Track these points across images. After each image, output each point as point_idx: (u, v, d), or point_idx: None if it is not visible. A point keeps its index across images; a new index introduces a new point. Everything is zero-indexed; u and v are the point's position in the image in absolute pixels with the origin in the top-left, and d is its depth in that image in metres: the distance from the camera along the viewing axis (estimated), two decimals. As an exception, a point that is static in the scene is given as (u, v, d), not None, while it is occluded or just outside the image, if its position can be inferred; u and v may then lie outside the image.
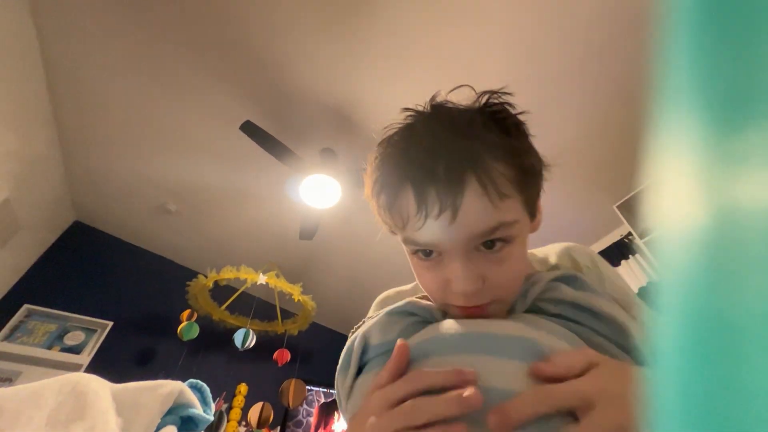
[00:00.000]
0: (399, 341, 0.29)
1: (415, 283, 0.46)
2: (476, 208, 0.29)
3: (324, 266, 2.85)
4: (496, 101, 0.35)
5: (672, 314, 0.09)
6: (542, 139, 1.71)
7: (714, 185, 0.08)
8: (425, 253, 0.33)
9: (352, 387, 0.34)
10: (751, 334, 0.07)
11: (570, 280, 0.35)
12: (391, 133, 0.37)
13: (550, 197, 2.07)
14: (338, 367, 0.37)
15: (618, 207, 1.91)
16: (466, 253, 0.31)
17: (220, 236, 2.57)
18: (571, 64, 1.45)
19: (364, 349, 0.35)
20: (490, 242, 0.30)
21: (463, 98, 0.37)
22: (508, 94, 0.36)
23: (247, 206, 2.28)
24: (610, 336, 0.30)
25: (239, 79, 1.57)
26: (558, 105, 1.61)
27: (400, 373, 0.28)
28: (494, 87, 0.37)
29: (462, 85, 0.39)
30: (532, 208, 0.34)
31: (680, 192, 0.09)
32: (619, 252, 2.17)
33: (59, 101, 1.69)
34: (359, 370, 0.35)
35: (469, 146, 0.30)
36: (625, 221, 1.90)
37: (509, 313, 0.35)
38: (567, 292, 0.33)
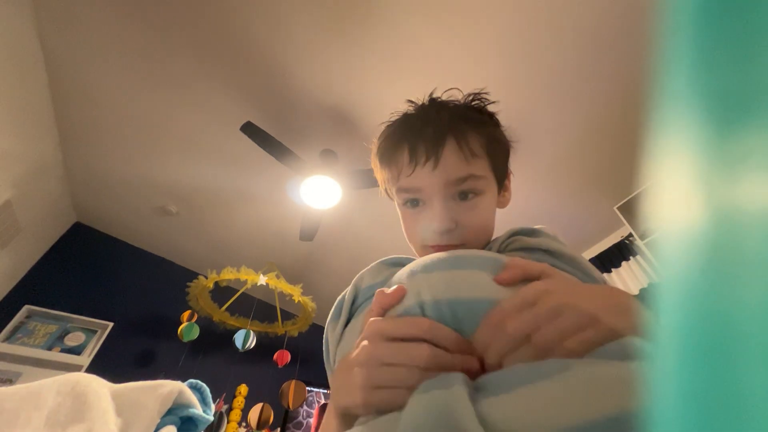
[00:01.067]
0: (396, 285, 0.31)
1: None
2: (453, 159, 0.39)
3: (324, 267, 2.85)
4: (478, 98, 0.46)
5: (673, 315, 0.09)
6: (543, 140, 1.72)
7: (714, 186, 0.08)
8: (413, 202, 0.42)
9: (342, 334, 0.39)
10: (751, 335, 0.07)
11: (529, 232, 0.42)
12: (394, 117, 0.48)
13: (550, 198, 2.08)
14: (329, 318, 0.42)
15: (618, 208, 1.91)
16: (443, 198, 0.40)
17: (220, 237, 2.58)
18: (570, 66, 1.45)
19: (355, 296, 0.41)
20: (464, 193, 0.40)
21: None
22: (486, 93, 0.47)
23: (248, 207, 2.28)
24: (572, 270, 0.35)
25: (240, 80, 1.57)
26: (558, 106, 1.61)
27: (394, 303, 0.29)
28: (494, 88, 0.45)
29: (452, 88, 0.50)
30: (499, 174, 0.44)
31: (681, 193, 0.09)
32: (619, 253, 2.16)
33: (61, 103, 1.69)
34: (350, 319, 0.40)
35: (451, 118, 0.41)
36: (625, 222, 1.90)
37: None
38: (528, 240, 0.39)
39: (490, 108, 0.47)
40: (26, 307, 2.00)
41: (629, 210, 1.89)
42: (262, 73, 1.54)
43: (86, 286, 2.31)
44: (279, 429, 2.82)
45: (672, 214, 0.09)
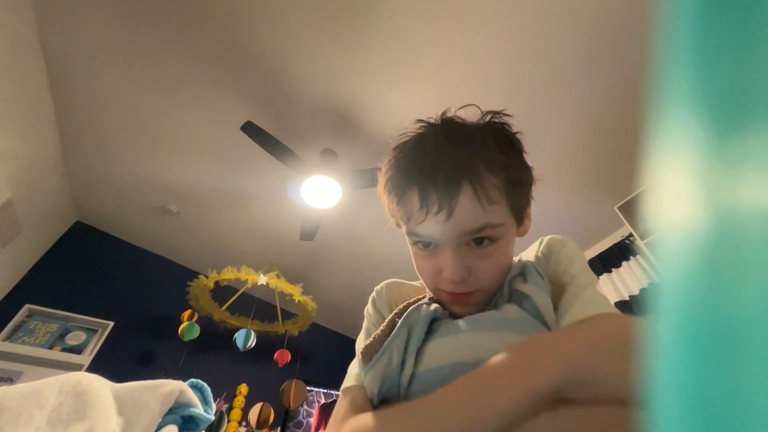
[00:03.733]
0: None
1: (420, 281, 0.51)
2: (468, 209, 0.35)
3: (324, 267, 2.85)
4: (497, 120, 0.41)
5: (673, 315, 0.09)
6: (543, 140, 1.72)
7: (714, 187, 0.08)
8: (424, 244, 0.39)
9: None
10: (751, 335, 0.07)
11: (525, 272, 0.41)
12: (404, 140, 0.43)
13: (551, 198, 2.07)
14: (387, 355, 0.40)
15: (619, 208, 1.91)
16: (457, 247, 0.37)
17: (220, 237, 2.58)
18: (571, 66, 1.45)
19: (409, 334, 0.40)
20: (479, 239, 0.37)
21: (470, 114, 0.43)
22: (508, 115, 0.42)
23: (248, 207, 2.28)
24: (526, 316, 0.37)
25: (240, 80, 1.57)
26: (558, 106, 1.61)
27: None
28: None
29: (469, 104, 0.44)
30: (518, 215, 0.40)
31: (681, 193, 0.09)
32: (619, 253, 2.16)
33: (61, 103, 1.69)
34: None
35: (467, 158, 0.36)
36: (626, 222, 1.90)
37: (494, 303, 0.41)
38: (520, 286, 0.39)
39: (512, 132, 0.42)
40: (27, 306, 2.00)
41: (629, 210, 1.89)
42: (262, 73, 1.54)
43: (87, 285, 2.31)
44: (279, 428, 2.82)
45: (672, 215, 0.09)
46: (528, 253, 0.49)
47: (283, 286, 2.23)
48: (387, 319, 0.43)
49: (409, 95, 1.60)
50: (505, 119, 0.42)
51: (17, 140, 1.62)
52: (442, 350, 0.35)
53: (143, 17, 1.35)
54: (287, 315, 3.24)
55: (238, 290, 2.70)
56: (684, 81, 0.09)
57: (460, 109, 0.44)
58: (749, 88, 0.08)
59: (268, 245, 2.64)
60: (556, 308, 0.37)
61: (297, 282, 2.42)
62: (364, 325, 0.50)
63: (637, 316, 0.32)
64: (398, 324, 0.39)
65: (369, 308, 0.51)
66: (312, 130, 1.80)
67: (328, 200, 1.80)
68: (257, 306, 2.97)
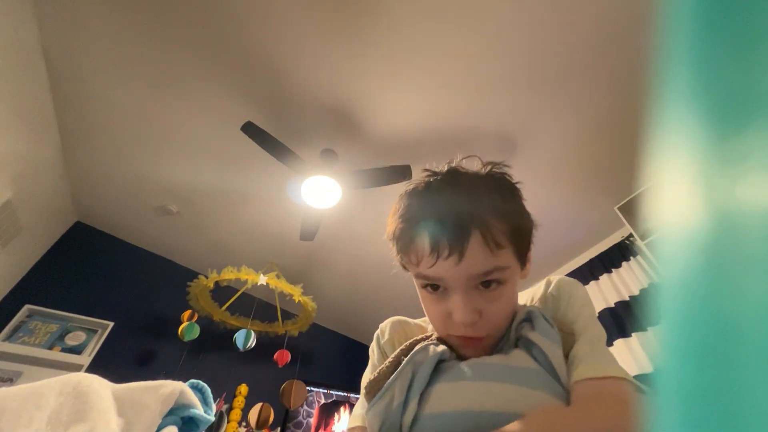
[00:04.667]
0: None
1: (424, 319, 0.53)
2: (477, 254, 0.37)
3: (324, 267, 2.85)
4: (498, 171, 0.44)
5: (673, 315, 0.09)
6: (543, 140, 1.73)
7: (714, 187, 0.08)
8: (433, 287, 0.41)
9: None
10: (751, 335, 0.07)
11: (532, 318, 0.43)
12: (412, 187, 0.45)
13: (551, 199, 2.07)
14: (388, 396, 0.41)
15: (619, 209, 1.91)
16: (466, 290, 0.39)
17: (220, 237, 2.58)
18: (571, 66, 1.45)
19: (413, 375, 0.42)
20: (487, 282, 0.39)
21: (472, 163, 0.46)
22: (507, 165, 0.44)
23: (248, 207, 2.28)
24: (536, 367, 0.38)
25: (240, 80, 1.57)
26: (558, 106, 1.61)
27: None
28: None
29: (470, 156, 0.46)
30: (522, 258, 0.42)
31: (681, 194, 0.09)
32: (620, 253, 2.16)
33: (61, 103, 1.69)
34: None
35: (474, 206, 0.39)
36: (626, 223, 1.90)
37: (500, 347, 0.43)
38: (528, 334, 0.41)
39: (512, 181, 0.44)
40: (27, 307, 2.00)
41: (630, 210, 1.89)
42: (262, 73, 1.54)
43: (87, 285, 2.31)
44: (279, 429, 2.82)
45: (672, 215, 0.09)
46: (533, 291, 0.51)
47: (283, 286, 2.23)
48: (392, 356, 0.43)
49: (410, 95, 1.60)
50: (505, 170, 0.44)
51: (17, 141, 1.62)
52: (448, 396, 0.36)
53: (143, 18, 1.35)
54: (287, 315, 3.24)
55: (238, 290, 2.70)
56: (684, 81, 0.09)
57: (463, 159, 0.46)
58: (749, 88, 0.08)
59: (268, 245, 2.63)
60: (565, 355, 0.39)
61: (297, 282, 2.42)
62: (370, 361, 0.51)
63: (642, 389, 0.36)
64: (403, 362, 0.40)
65: (373, 346, 0.52)
66: (312, 130, 1.80)
67: (328, 200, 1.80)
68: (257, 306, 2.97)
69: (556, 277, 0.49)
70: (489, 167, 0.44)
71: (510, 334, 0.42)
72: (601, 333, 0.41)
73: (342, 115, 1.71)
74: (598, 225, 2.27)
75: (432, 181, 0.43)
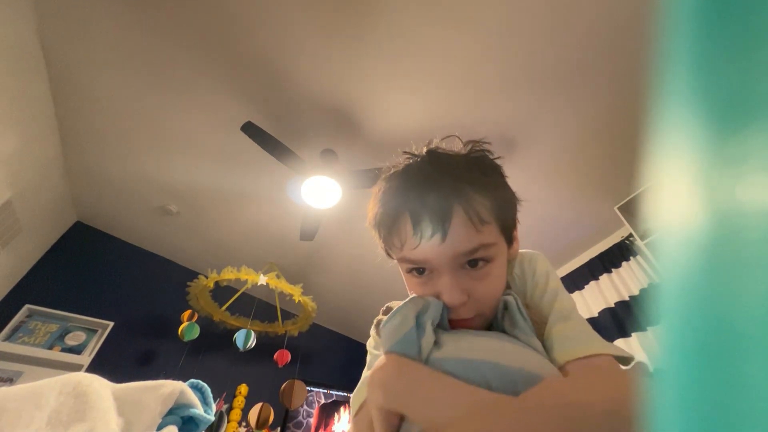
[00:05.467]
0: None
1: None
2: (461, 231, 0.36)
3: (324, 267, 2.85)
4: (478, 148, 0.43)
5: (673, 315, 0.09)
6: (543, 141, 1.72)
7: (714, 187, 0.08)
8: (419, 270, 0.39)
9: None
10: (751, 335, 0.07)
11: (507, 307, 0.41)
12: (391, 171, 0.43)
13: (551, 199, 2.07)
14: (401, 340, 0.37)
15: (619, 208, 1.91)
16: (453, 270, 0.37)
17: (220, 237, 2.58)
18: (570, 66, 1.45)
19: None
20: (474, 261, 0.37)
21: (452, 144, 0.45)
22: (488, 143, 0.43)
23: (248, 207, 2.28)
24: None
25: (240, 80, 1.57)
26: (559, 106, 1.61)
27: None
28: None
29: (450, 136, 0.46)
30: (508, 235, 0.41)
31: (681, 194, 0.09)
32: (619, 253, 2.16)
33: (61, 102, 1.69)
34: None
35: (454, 183, 0.37)
36: (626, 223, 1.90)
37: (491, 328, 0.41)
38: (507, 326, 0.39)
39: (494, 159, 0.43)
40: (27, 307, 2.00)
41: (629, 210, 1.89)
42: (262, 73, 1.54)
43: (87, 285, 2.31)
44: (279, 429, 2.82)
45: (672, 215, 0.09)
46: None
47: (283, 286, 2.23)
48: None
49: (410, 95, 1.60)
50: (486, 147, 0.43)
51: (17, 140, 1.62)
52: (469, 345, 0.34)
53: (143, 18, 1.35)
54: (287, 315, 3.24)
55: (238, 290, 2.70)
56: (684, 81, 0.09)
57: (442, 140, 0.46)
58: (749, 89, 0.08)
59: (268, 245, 2.64)
60: (541, 334, 0.38)
61: (297, 282, 2.42)
62: (368, 359, 0.48)
63: (628, 360, 0.35)
64: (410, 297, 0.39)
65: (370, 342, 0.50)
66: (312, 130, 1.80)
67: (328, 200, 1.80)
68: (257, 306, 2.97)
69: (520, 254, 0.47)
70: (469, 146, 0.43)
71: (498, 323, 0.41)
72: (571, 303, 0.40)
73: (342, 116, 1.71)
74: (598, 225, 2.27)
75: (411, 163, 0.42)
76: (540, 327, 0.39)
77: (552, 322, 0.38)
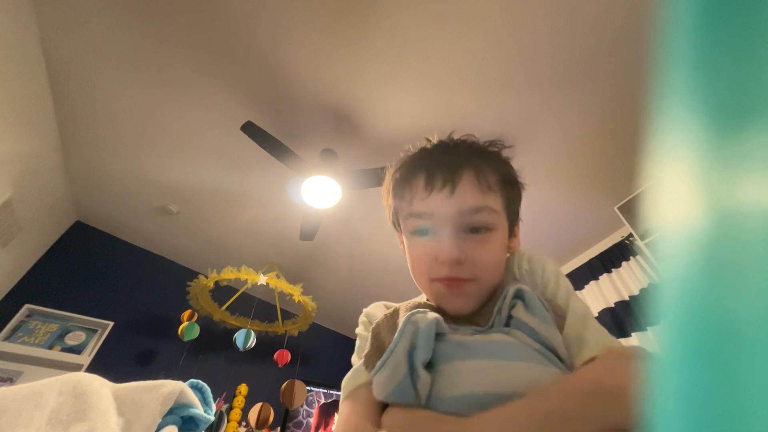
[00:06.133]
0: None
1: (407, 302, 0.50)
2: (470, 188, 0.39)
3: (324, 267, 2.85)
4: (495, 143, 0.46)
5: (673, 315, 0.09)
6: (543, 140, 1.72)
7: (714, 187, 0.08)
8: (421, 231, 0.42)
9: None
10: (751, 335, 0.07)
11: (525, 297, 0.39)
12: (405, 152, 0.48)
13: (551, 199, 2.07)
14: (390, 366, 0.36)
15: (619, 208, 1.91)
16: (455, 228, 0.39)
17: (220, 237, 2.58)
18: (570, 66, 1.45)
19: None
20: (476, 228, 0.39)
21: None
22: (503, 142, 0.47)
23: (248, 207, 2.28)
24: (540, 347, 0.36)
25: (240, 79, 1.57)
26: (558, 107, 1.61)
27: None
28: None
29: (469, 134, 0.48)
30: (511, 215, 0.44)
31: (681, 194, 0.09)
32: (619, 253, 2.16)
33: (61, 102, 1.69)
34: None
35: (468, 153, 0.42)
36: (626, 223, 1.90)
37: (491, 324, 0.40)
38: (522, 314, 0.38)
39: (506, 152, 0.47)
40: (27, 306, 2.00)
41: (629, 210, 1.89)
42: (262, 73, 1.54)
43: (87, 285, 2.31)
44: (279, 428, 2.82)
45: (672, 215, 0.09)
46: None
47: (283, 286, 2.23)
48: (385, 317, 0.43)
49: (410, 95, 1.60)
50: (500, 143, 0.47)
51: (17, 140, 1.62)
52: (468, 375, 0.33)
53: (143, 17, 1.35)
54: (287, 315, 3.24)
55: (238, 290, 2.70)
56: (684, 81, 0.09)
57: (452, 133, 0.49)
58: (749, 88, 0.08)
59: (267, 245, 2.64)
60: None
61: (297, 282, 2.42)
62: (357, 343, 0.47)
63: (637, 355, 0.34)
64: (401, 324, 0.37)
65: (360, 330, 0.49)
66: (312, 130, 1.80)
67: (328, 200, 1.80)
68: (257, 306, 2.97)
69: (525, 251, 0.47)
70: (487, 143, 0.46)
71: (501, 313, 0.39)
72: (585, 306, 0.40)
73: (342, 115, 1.71)
74: (598, 225, 2.27)
75: (425, 146, 0.46)
76: (558, 320, 0.38)
77: (570, 322, 0.37)
